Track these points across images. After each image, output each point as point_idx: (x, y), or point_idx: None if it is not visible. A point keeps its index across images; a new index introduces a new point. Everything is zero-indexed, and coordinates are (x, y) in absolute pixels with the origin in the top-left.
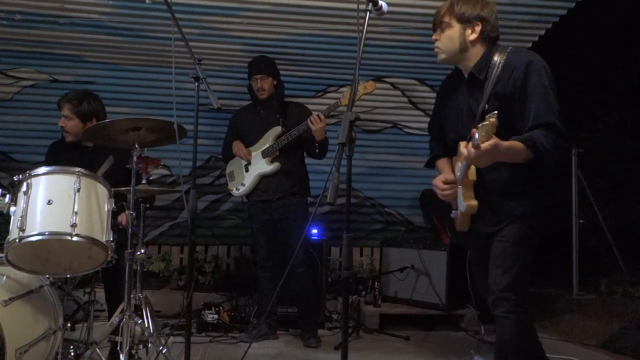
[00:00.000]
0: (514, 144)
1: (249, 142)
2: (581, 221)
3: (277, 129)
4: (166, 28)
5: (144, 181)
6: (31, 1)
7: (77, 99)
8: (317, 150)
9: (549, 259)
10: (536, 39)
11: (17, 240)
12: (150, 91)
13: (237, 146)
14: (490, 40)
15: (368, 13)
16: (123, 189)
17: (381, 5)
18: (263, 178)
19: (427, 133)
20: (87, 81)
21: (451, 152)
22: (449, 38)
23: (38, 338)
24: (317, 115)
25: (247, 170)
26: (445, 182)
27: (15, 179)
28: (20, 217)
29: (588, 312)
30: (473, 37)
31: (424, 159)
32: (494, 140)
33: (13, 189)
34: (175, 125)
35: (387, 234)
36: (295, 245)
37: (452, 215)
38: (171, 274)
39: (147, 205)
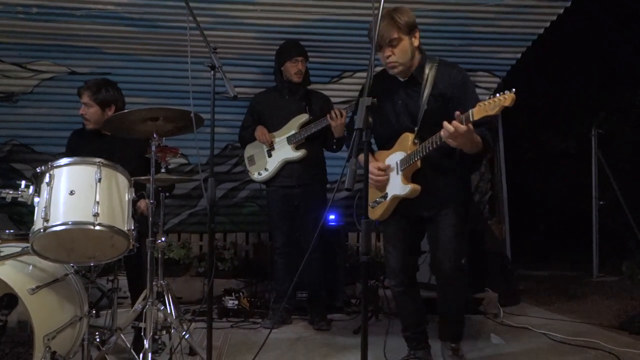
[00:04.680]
0: (477, 135)
1: (271, 127)
2: (601, 202)
3: (304, 117)
4: (181, 17)
5: (163, 170)
6: None
7: (96, 87)
8: (334, 147)
9: (569, 242)
10: (554, 18)
11: (41, 230)
12: (166, 81)
13: (261, 131)
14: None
15: None
16: (142, 178)
17: None
18: (287, 164)
19: None
20: (105, 72)
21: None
22: (403, 50)
23: (65, 325)
24: (339, 110)
25: (269, 156)
26: (378, 169)
27: (38, 171)
28: (44, 207)
29: (609, 294)
30: (417, 43)
31: None
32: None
33: (36, 180)
34: (192, 115)
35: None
36: (313, 232)
37: (375, 203)
38: (191, 261)
39: (167, 194)
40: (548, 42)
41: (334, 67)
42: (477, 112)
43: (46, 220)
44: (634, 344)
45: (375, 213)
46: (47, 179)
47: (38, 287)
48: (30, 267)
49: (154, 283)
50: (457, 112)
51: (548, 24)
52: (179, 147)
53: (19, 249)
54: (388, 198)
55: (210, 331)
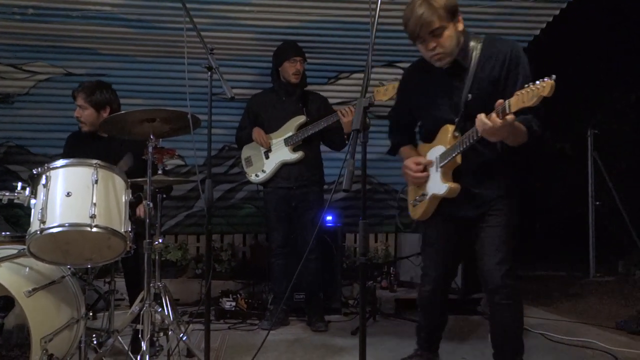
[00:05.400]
0: (520, 125)
1: (268, 128)
2: (598, 203)
3: (301, 118)
4: (178, 18)
5: (159, 172)
6: None
7: (90, 89)
8: (346, 142)
9: (566, 242)
10: (550, 19)
11: (38, 232)
12: (163, 82)
13: (258, 133)
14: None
15: None
16: (139, 179)
17: None
18: (284, 166)
19: None
20: (101, 74)
21: (414, 140)
22: (448, 39)
23: (62, 327)
24: (348, 107)
25: (267, 157)
26: (417, 164)
27: (35, 172)
28: (41, 209)
29: (605, 294)
30: (461, 27)
31: None
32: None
33: (32, 181)
34: (189, 116)
35: (402, 220)
36: (311, 233)
37: (415, 201)
38: (188, 263)
39: (164, 196)
40: (544, 43)
41: (331, 68)
42: (514, 103)
43: (43, 222)
44: (631, 343)
45: (415, 212)
46: (43, 181)
47: (35, 290)
48: (27, 269)
49: (151, 285)
50: (499, 102)
51: (544, 25)
52: (176, 149)
53: (15, 251)
54: (428, 197)
55: (208, 333)
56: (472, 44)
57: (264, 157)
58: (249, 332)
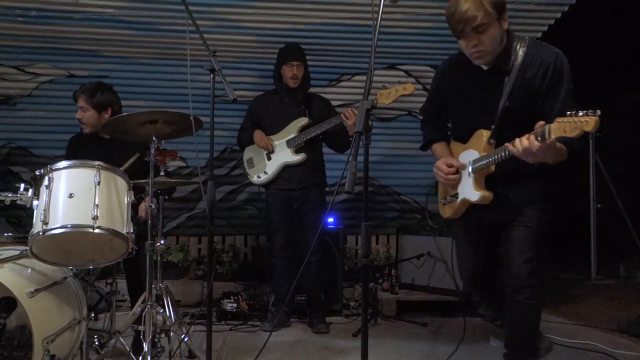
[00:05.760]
0: (561, 146)
1: (270, 130)
2: (599, 205)
3: (303, 120)
4: (180, 21)
5: (162, 173)
6: None
7: (91, 91)
8: (352, 144)
9: (567, 244)
10: (552, 22)
11: (40, 233)
12: (166, 84)
13: (259, 136)
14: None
15: (383, 0)
16: (142, 181)
17: None
18: (286, 167)
19: None
20: (103, 75)
21: (446, 135)
22: (492, 37)
23: (63, 328)
24: (351, 109)
25: (269, 159)
26: (449, 166)
27: (37, 174)
28: (43, 210)
29: (607, 297)
30: (506, 25)
31: None
32: (554, 138)
33: (35, 183)
34: (191, 118)
35: (403, 222)
36: (312, 235)
37: (446, 201)
38: (189, 264)
39: (166, 197)
40: None
41: (333, 70)
42: (554, 130)
43: (45, 223)
44: (633, 346)
45: (445, 211)
46: (46, 182)
47: (37, 290)
48: (29, 270)
49: (152, 286)
50: (539, 124)
51: (546, 28)
52: (178, 150)
53: (17, 252)
54: (459, 199)
55: (210, 334)
56: (515, 45)
57: (266, 158)
58: (250, 334)
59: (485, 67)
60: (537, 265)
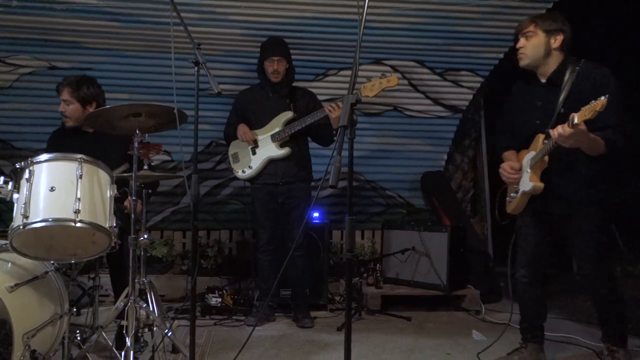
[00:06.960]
0: (597, 137)
1: (255, 124)
2: None
3: (288, 114)
4: (165, 13)
5: (145, 167)
6: None
7: (76, 83)
8: (335, 138)
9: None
10: None
11: (21, 227)
12: (149, 77)
13: (243, 130)
14: (567, 51)
15: None
16: (125, 174)
17: None
18: (271, 162)
19: (427, 116)
20: (86, 67)
21: (516, 145)
22: (535, 45)
23: (44, 323)
24: (336, 103)
25: (254, 153)
26: (511, 168)
27: (18, 167)
28: (24, 204)
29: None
30: (556, 45)
31: (424, 141)
32: (585, 126)
33: (15, 176)
34: (175, 111)
35: (388, 217)
36: (298, 229)
37: (510, 197)
38: (174, 259)
39: (150, 191)
40: None
41: (319, 64)
42: (579, 116)
43: (25, 217)
44: None
45: (510, 207)
46: (26, 175)
47: (17, 285)
48: (9, 264)
49: (136, 281)
50: (570, 115)
51: None
52: (162, 144)
53: None
54: (519, 194)
55: (193, 329)
56: (570, 66)
57: (250, 153)
58: (234, 328)
59: (543, 80)
60: (601, 265)
